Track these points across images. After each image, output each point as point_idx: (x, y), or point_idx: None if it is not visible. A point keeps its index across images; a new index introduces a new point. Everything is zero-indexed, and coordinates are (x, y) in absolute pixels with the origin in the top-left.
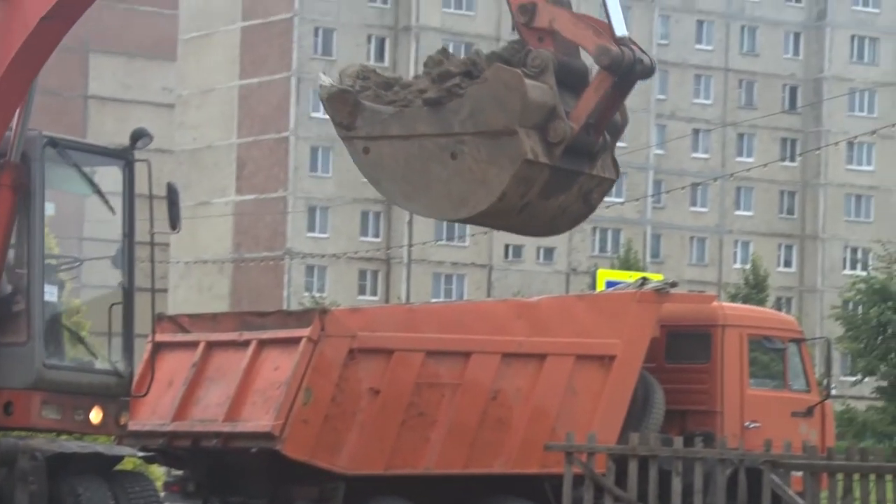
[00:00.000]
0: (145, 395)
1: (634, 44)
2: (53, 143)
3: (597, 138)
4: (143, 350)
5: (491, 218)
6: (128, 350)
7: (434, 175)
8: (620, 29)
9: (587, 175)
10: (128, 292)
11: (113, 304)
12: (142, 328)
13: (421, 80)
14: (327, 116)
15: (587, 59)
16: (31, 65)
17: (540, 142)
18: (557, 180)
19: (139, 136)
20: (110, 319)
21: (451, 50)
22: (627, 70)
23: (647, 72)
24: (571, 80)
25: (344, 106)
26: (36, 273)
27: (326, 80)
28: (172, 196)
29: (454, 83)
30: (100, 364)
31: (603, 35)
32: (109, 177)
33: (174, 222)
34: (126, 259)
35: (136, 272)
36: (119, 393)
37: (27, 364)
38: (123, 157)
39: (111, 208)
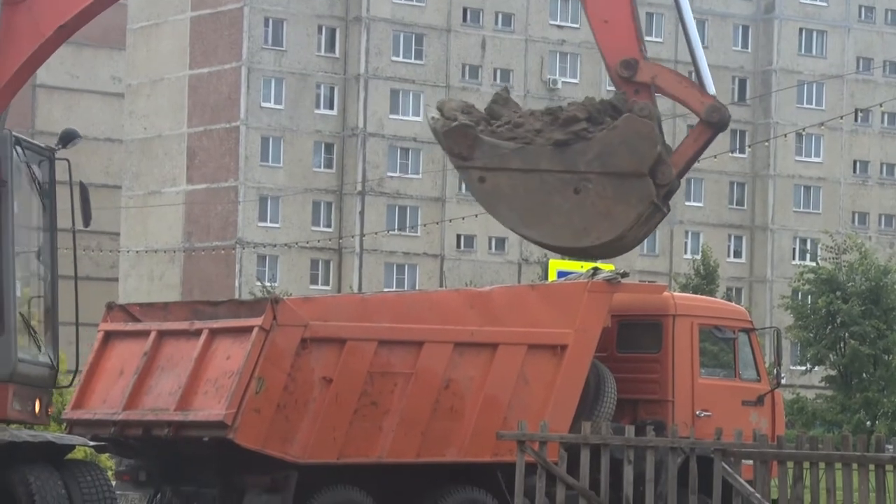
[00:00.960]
0: (69, 386)
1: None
2: (18, 141)
3: (679, 182)
4: (93, 338)
5: (607, 249)
6: (54, 342)
7: (555, 206)
8: (711, 88)
9: (662, 213)
10: (52, 285)
11: (32, 297)
12: (93, 317)
13: (533, 118)
14: (279, 106)
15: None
16: (35, 67)
17: (653, 184)
18: (652, 216)
19: (69, 137)
20: (44, 312)
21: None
22: (725, 126)
23: (728, 124)
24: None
25: (465, 139)
26: (8, 268)
27: (437, 114)
28: (84, 194)
29: (582, 128)
30: (42, 356)
31: (706, 94)
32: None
33: (86, 219)
34: (49, 253)
35: (82, 262)
36: (51, 384)
37: (4, 357)
38: (47, 155)
39: (44, 205)
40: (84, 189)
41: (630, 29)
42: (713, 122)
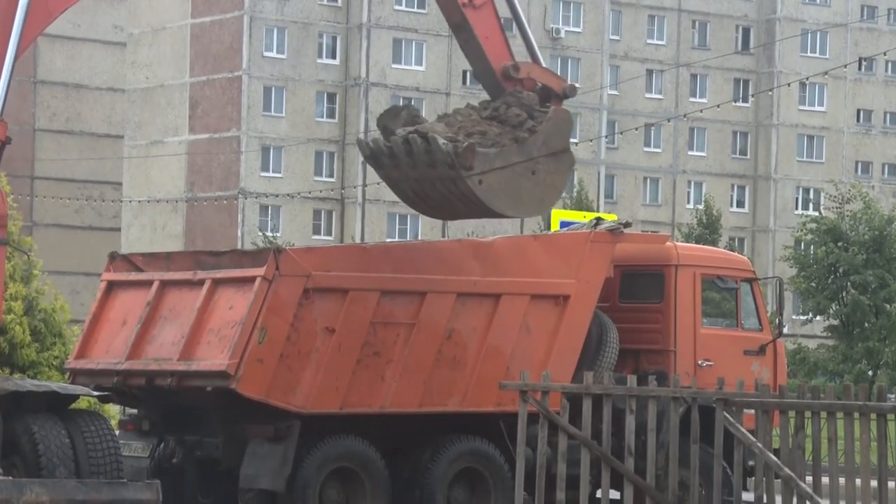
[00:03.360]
0: None
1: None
2: None
3: None
4: (96, 287)
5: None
6: None
7: (524, 188)
8: (542, 62)
9: None
10: None
11: None
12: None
13: (487, 123)
14: (281, 56)
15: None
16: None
17: None
18: None
19: None
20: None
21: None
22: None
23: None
24: None
25: (473, 155)
26: None
27: (441, 140)
28: None
29: (531, 125)
30: None
31: (560, 77)
32: None
33: None
34: None
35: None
36: None
37: None
38: None
39: None
40: None
41: (504, 41)
42: (568, 97)
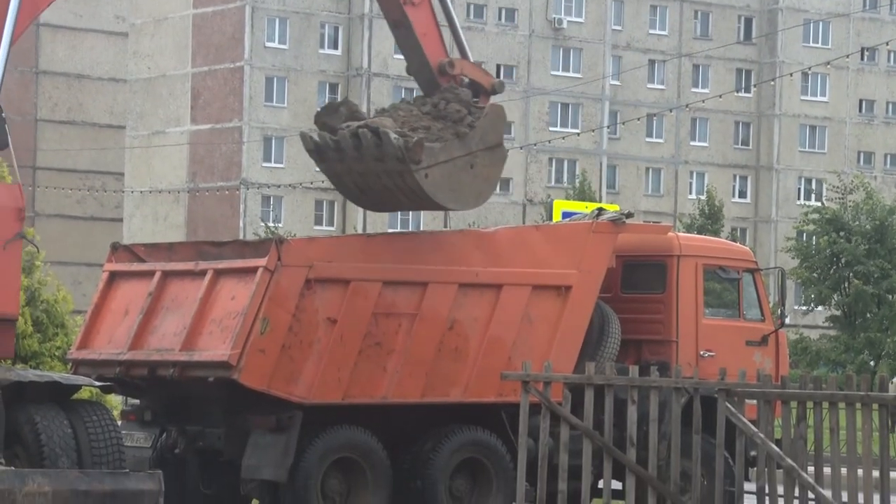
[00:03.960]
0: None
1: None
2: None
3: None
4: (98, 278)
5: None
6: None
7: (463, 182)
8: (470, 57)
9: None
10: None
11: None
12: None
13: (430, 118)
14: (283, 46)
15: None
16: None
17: None
18: None
19: None
20: None
21: None
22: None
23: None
24: None
25: (422, 150)
26: None
27: (393, 134)
28: None
29: (470, 121)
30: None
31: (489, 73)
32: None
33: (0, 140)
34: None
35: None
36: None
37: None
38: None
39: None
40: None
41: (439, 38)
42: (496, 93)
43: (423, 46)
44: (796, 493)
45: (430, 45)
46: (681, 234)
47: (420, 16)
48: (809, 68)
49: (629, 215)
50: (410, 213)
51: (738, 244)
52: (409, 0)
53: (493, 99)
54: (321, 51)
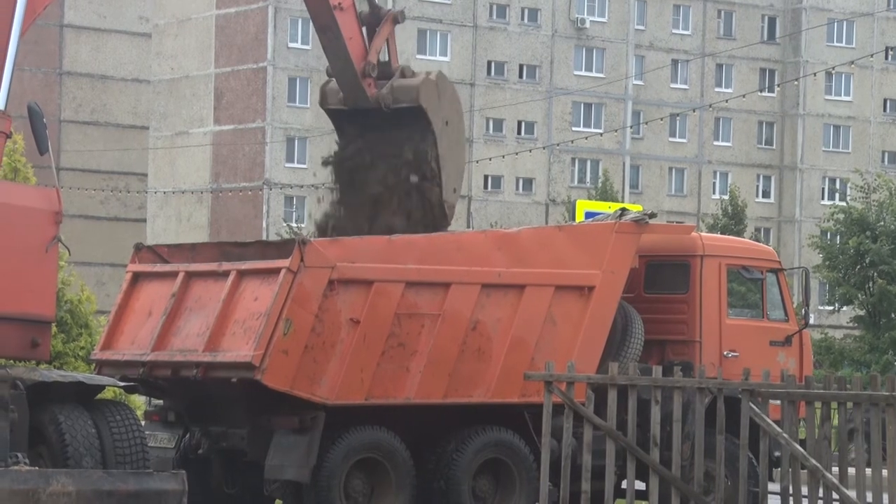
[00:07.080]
0: None
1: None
2: None
3: None
4: (122, 278)
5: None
6: None
7: (461, 162)
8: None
9: None
10: None
11: None
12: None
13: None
14: (306, 46)
15: None
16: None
17: None
18: None
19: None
20: None
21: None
22: None
23: None
24: None
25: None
26: None
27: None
28: (34, 118)
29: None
30: None
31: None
32: None
33: (41, 145)
34: None
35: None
36: None
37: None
38: None
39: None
40: (34, 112)
41: (363, 42)
42: (398, 22)
43: (348, 50)
44: (820, 493)
45: (355, 48)
46: (704, 234)
47: (347, 21)
48: (833, 68)
49: (652, 215)
50: None
51: (761, 244)
52: (338, 5)
53: (397, 29)
54: None
